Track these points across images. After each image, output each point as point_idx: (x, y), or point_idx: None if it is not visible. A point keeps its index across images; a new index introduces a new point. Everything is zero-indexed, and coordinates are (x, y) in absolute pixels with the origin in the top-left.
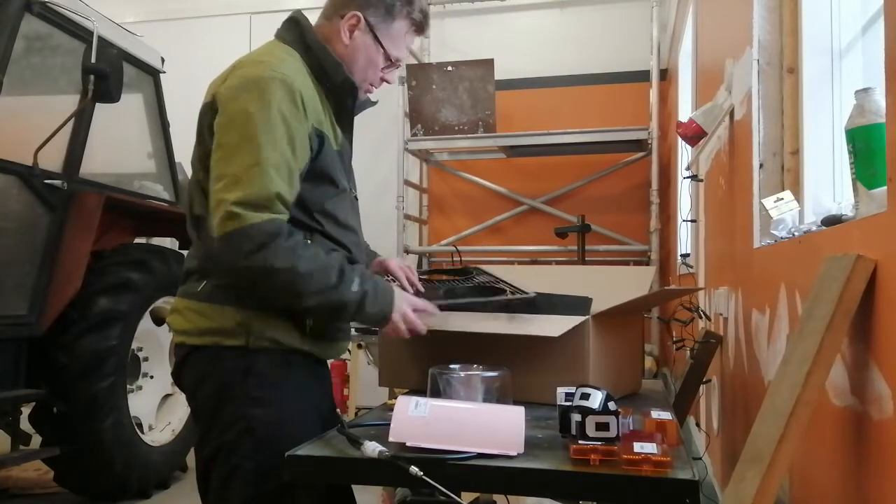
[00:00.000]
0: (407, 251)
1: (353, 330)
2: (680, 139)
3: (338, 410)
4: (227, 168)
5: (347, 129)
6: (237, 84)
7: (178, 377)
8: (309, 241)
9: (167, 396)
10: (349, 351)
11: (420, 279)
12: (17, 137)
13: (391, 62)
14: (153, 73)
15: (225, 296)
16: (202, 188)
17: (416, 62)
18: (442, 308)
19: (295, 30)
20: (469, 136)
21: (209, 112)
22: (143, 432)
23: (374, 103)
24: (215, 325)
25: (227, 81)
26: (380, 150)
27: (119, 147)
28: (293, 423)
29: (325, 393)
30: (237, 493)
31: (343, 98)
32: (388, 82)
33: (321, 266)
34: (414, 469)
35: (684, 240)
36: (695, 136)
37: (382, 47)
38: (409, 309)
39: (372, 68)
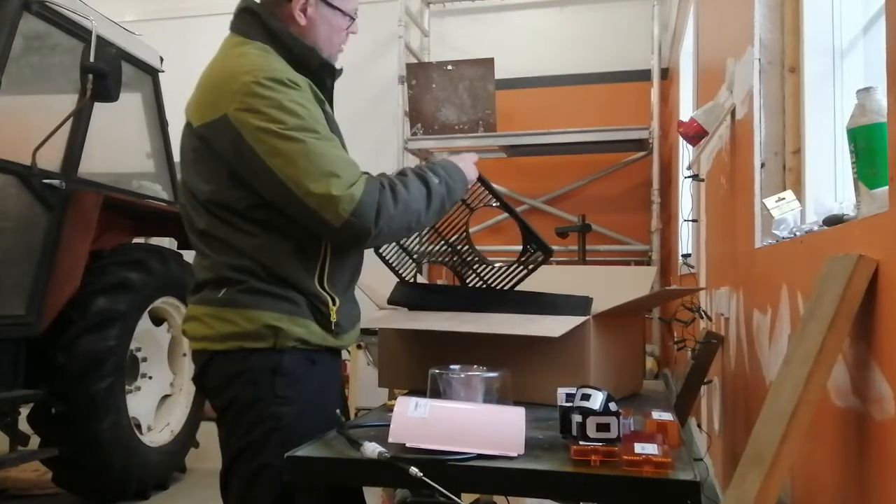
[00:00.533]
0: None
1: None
2: (681, 139)
3: (337, 411)
4: (302, 169)
5: (331, 111)
6: (243, 98)
7: (201, 382)
8: (383, 180)
9: (166, 397)
10: (348, 351)
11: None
12: (15, 137)
13: (351, 17)
14: (152, 73)
15: (250, 300)
16: (207, 208)
17: (416, 61)
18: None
19: (254, 21)
20: (469, 135)
21: (221, 135)
22: (141, 433)
23: (341, 71)
24: (239, 329)
25: (227, 100)
26: (380, 150)
27: (118, 147)
28: (317, 420)
29: (340, 388)
30: (264, 491)
31: (322, 79)
32: (354, 33)
33: (413, 188)
34: (414, 470)
35: (685, 240)
36: (696, 135)
37: (339, 9)
38: (470, 162)
39: (336, 33)
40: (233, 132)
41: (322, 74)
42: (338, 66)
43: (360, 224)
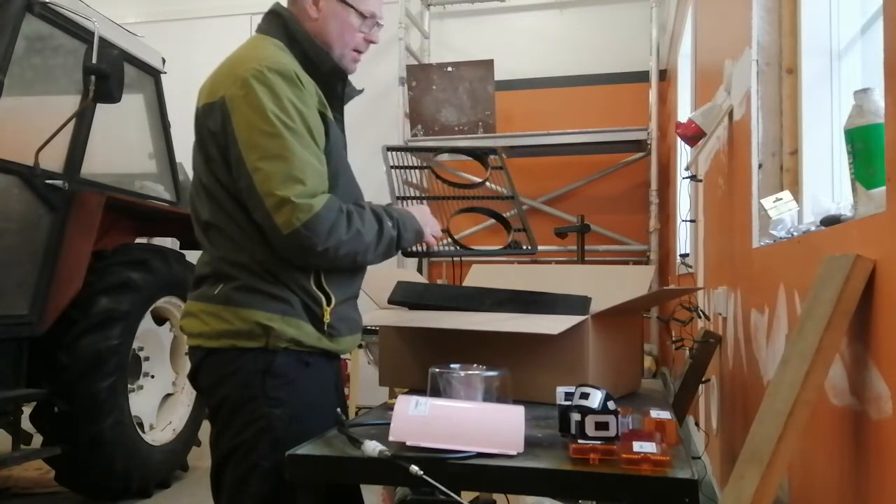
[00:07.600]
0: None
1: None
2: (679, 139)
3: (338, 409)
4: (272, 166)
5: (339, 118)
6: (242, 83)
7: (195, 379)
8: (342, 205)
9: (168, 396)
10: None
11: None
12: (18, 138)
13: (365, 18)
14: (154, 74)
15: (243, 299)
16: (209, 193)
17: (416, 63)
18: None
19: (276, 22)
20: (469, 136)
21: (215, 115)
22: (143, 432)
23: (361, 91)
24: (233, 328)
25: (228, 83)
26: (380, 151)
27: (120, 147)
28: (311, 422)
29: (338, 390)
30: (253, 491)
31: (333, 85)
32: (373, 42)
33: (367, 221)
34: (414, 468)
35: (683, 240)
36: (694, 136)
37: (351, 6)
38: (429, 219)
39: (349, 32)
40: (224, 114)
41: (333, 79)
42: (366, 89)
43: (309, 237)
